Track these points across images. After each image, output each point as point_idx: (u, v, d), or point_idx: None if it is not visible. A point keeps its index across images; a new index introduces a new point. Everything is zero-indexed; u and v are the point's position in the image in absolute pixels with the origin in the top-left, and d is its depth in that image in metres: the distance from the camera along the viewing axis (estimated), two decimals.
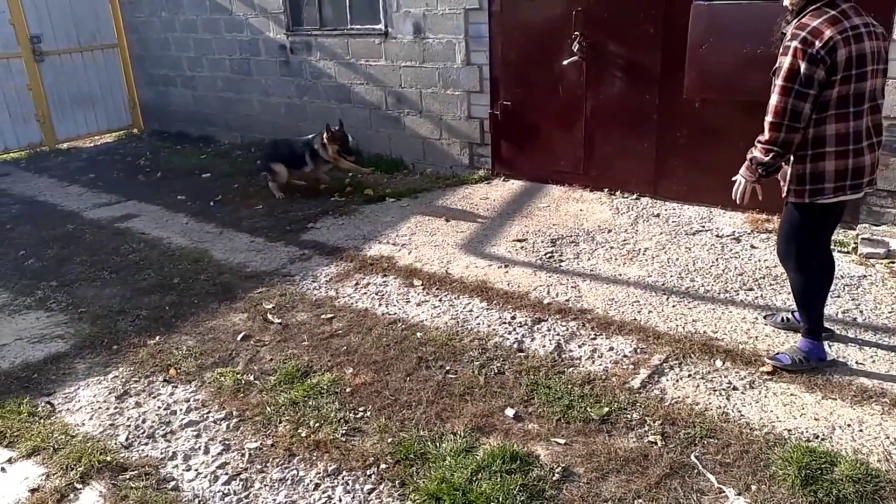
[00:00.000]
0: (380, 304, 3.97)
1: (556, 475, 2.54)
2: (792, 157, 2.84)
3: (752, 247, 4.38)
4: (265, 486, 2.62)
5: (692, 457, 2.59)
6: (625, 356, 3.28)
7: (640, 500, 2.40)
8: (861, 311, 3.56)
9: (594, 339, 3.45)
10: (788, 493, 2.39)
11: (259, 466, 2.72)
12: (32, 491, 2.64)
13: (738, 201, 3.00)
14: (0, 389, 3.32)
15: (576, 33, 5.27)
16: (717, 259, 4.25)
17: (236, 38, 7.59)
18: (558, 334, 3.50)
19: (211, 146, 8.12)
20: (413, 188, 6.01)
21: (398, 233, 5.04)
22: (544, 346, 3.40)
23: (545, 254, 4.48)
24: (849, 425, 2.72)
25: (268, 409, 3.05)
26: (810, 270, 3.01)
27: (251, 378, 3.30)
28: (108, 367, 3.48)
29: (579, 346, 3.38)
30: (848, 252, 4.22)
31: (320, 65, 6.96)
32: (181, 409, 3.11)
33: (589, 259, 4.37)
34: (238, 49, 7.64)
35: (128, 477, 2.69)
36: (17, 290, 4.44)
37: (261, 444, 2.84)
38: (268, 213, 5.67)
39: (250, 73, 7.65)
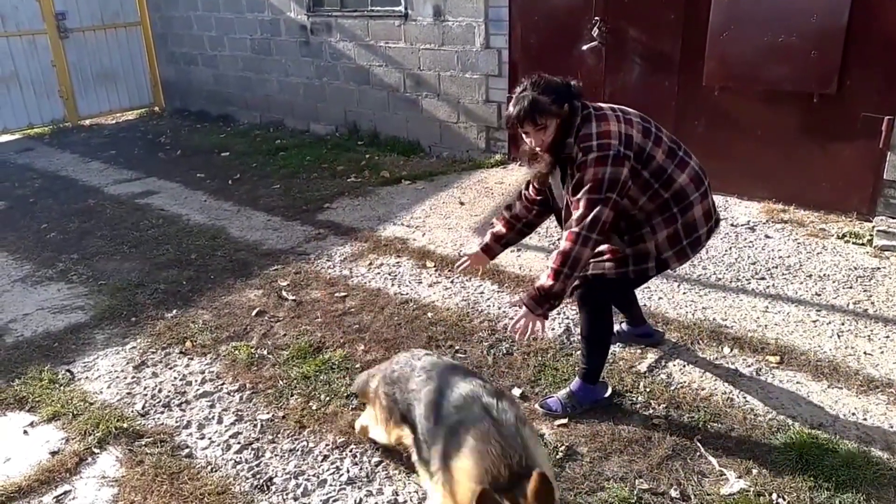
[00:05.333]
0: (392, 284, 4.02)
1: (560, 454, 2.59)
2: None
3: (767, 237, 4.37)
4: (276, 455, 2.69)
5: (695, 440, 2.62)
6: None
7: (641, 480, 2.44)
8: (872, 303, 3.55)
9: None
10: (789, 477, 2.41)
11: (270, 437, 2.79)
12: (53, 454, 2.73)
13: None
14: (22, 357, 3.42)
15: (596, 18, 5.25)
16: (730, 248, 4.24)
17: (257, 17, 7.63)
18: (567, 318, 3.52)
19: (230, 125, 8.20)
20: (429, 171, 6.04)
21: (413, 215, 5.08)
22: (553, 329, 3.43)
23: (558, 238, 4.49)
24: (853, 414, 2.74)
25: (280, 382, 3.12)
26: (607, 313, 2.84)
27: (265, 352, 3.37)
28: (127, 339, 3.57)
29: None
30: (863, 244, 4.20)
31: (340, 46, 6.99)
32: (196, 381, 3.19)
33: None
34: (259, 29, 7.68)
35: (143, 443, 2.77)
36: (39, 262, 4.55)
37: (272, 415, 2.92)
38: (285, 192, 5.74)
39: (270, 53, 7.70)
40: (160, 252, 4.63)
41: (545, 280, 2.47)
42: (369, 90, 6.93)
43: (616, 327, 3.24)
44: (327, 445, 2.72)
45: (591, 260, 2.63)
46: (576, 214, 2.45)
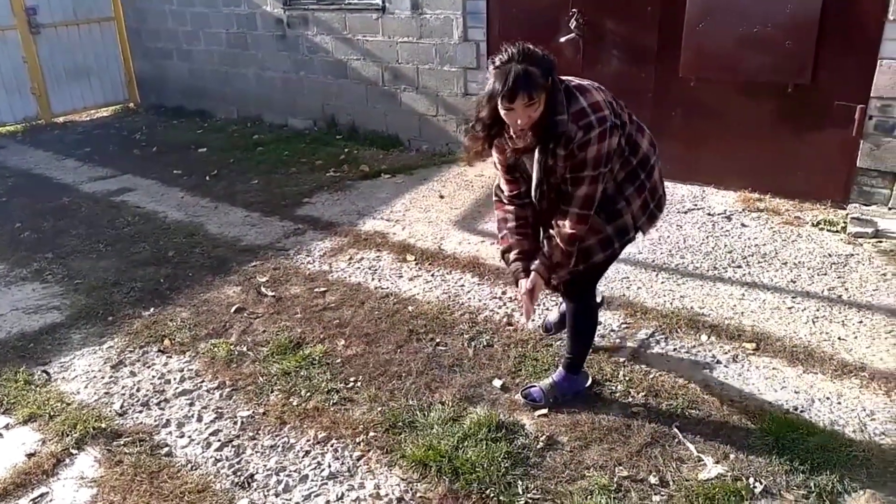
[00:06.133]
0: (373, 279, 4.01)
1: (541, 443, 2.60)
2: None
3: (743, 225, 4.42)
4: (256, 452, 2.68)
5: (674, 427, 2.65)
6: (612, 330, 3.33)
7: (621, 467, 2.46)
8: (846, 289, 3.61)
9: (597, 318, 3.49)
10: (765, 461, 2.45)
11: (251, 434, 2.78)
12: (29, 456, 2.70)
13: None
14: None
15: (573, 11, 5.25)
16: (707, 237, 4.29)
17: (233, 11, 7.54)
18: (547, 308, 3.54)
19: (207, 121, 8.11)
20: (408, 165, 6.03)
21: (392, 209, 5.07)
22: (533, 321, 3.44)
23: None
24: (827, 398, 2.78)
25: (260, 379, 3.11)
26: (594, 300, 2.86)
27: (244, 349, 3.35)
28: (104, 338, 3.53)
29: None
30: (837, 231, 4.26)
31: (317, 39, 6.93)
32: (175, 379, 3.16)
33: None
34: (235, 23, 7.60)
35: (122, 443, 2.75)
36: (13, 262, 4.48)
37: (253, 412, 2.90)
38: (263, 188, 5.70)
39: (247, 47, 7.62)
40: (137, 250, 4.57)
41: (559, 257, 2.49)
42: (347, 84, 6.89)
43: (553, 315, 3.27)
44: (308, 441, 2.71)
45: (580, 250, 2.55)
46: (579, 193, 2.38)
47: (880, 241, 4.11)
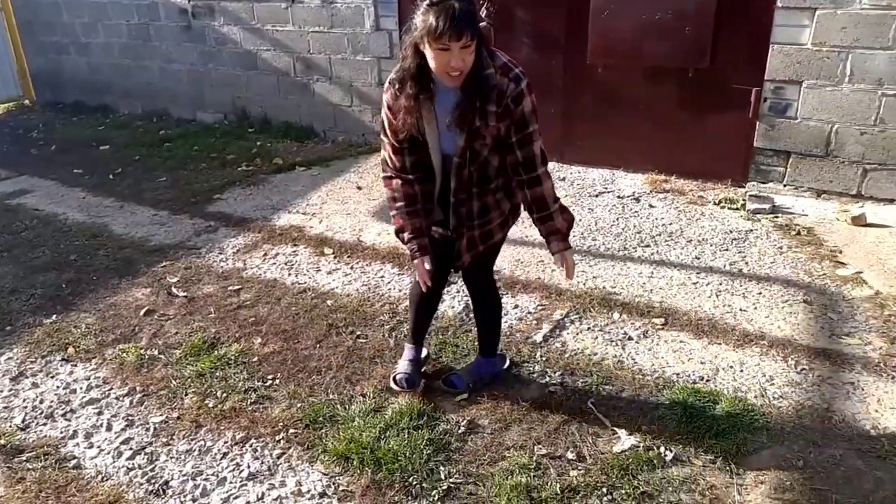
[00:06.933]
0: (289, 274, 3.94)
1: (462, 428, 2.63)
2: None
3: (651, 206, 4.59)
4: (171, 458, 2.59)
5: (589, 403, 2.73)
6: (529, 313, 3.40)
7: (540, 446, 2.52)
8: (746, 263, 3.80)
9: (501, 298, 3.54)
10: (674, 430, 2.56)
11: (165, 440, 2.68)
12: None
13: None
14: None
15: None
16: (617, 219, 4.43)
17: (133, 1, 7.20)
18: (467, 295, 3.56)
19: (109, 116, 7.74)
20: (324, 156, 5.94)
21: (308, 202, 4.99)
22: (453, 307, 3.47)
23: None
24: (731, 367, 2.93)
25: (173, 382, 3.00)
26: (495, 282, 2.86)
27: (155, 353, 3.23)
28: (2, 349, 3.32)
29: None
30: (737, 208, 4.49)
31: (224, 30, 6.71)
32: (81, 388, 3.01)
33: None
34: (136, 13, 7.25)
35: (25, 458, 2.60)
36: None
37: (166, 417, 2.80)
38: (172, 184, 5.49)
39: (150, 39, 7.29)
40: (35, 255, 4.32)
41: (561, 222, 2.42)
42: (258, 75, 6.71)
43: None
44: (226, 443, 2.64)
45: (484, 233, 2.51)
46: (535, 150, 2.31)
47: (776, 217, 4.35)
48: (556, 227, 2.44)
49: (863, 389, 2.76)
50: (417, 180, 2.44)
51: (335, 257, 4.11)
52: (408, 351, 2.92)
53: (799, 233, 4.13)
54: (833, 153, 4.49)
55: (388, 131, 2.41)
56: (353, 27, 5.97)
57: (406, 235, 2.52)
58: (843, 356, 2.97)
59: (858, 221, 4.17)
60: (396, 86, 2.31)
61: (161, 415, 2.82)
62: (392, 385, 2.86)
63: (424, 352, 3.00)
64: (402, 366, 2.89)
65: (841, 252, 3.88)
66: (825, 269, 3.70)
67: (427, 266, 2.49)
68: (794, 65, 4.42)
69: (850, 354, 2.98)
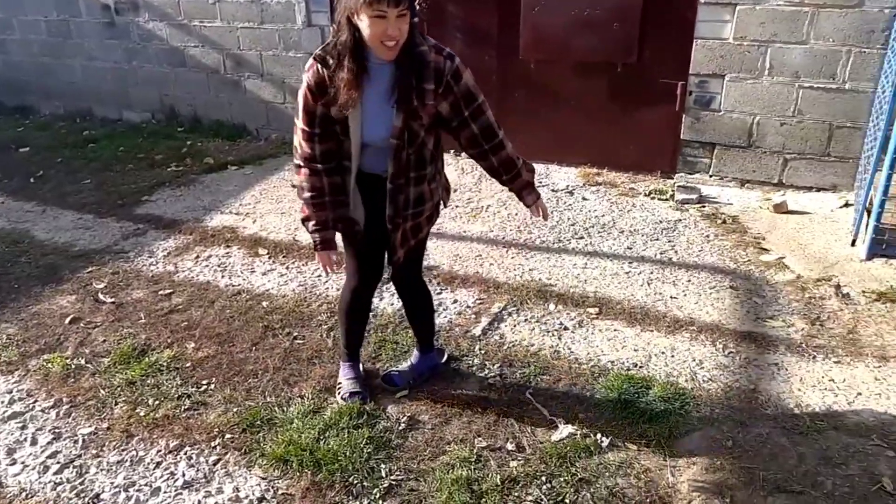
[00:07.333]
0: (223, 276, 3.84)
1: (402, 424, 2.63)
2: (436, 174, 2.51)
3: (584, 199, 4.68)
4: (102, 470, 2.49)
5: (527, 394, 2.77)
6: (468, 307, 3.42)
7: (480, 438, 2.54)
8: (676, 251, 3.93)
9: (440, 293, 3.55)
10: (610, 417, 2.63)
11: (94, 451, 2.58)
12: None
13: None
14: None
15: None
16: (552, 212, 4.49)
17: None
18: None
19: (30, 117, 7.39)
20: (257, 155, 5.82)
21: (241, 202, 4.88)
22: (392, 304, 3.46)
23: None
24: (663, 353, 3.02)
25: (102, 392, 2.89)
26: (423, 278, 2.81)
27: (82, 362, 3.10)
28: None
29: None
30: (666, 199, 4.62)
31: (150, 26, 6.49)
32: (3, 402, 2.87)
33: None
34: (54, 9, 6.93)
35: None
36: None
37: (95, 428, 2.70)
38: (97, 187, 5.27)
39: (70, 35, 6.98)
40: None
41: (527, 174, 2.56)
42: (186, 73, 6.51)
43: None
44: (159, 451, 2.56)
45: (415, 225, 2.47)
46: (489, 118, 2.35)
47: (703, 206, 4.51)
48: (525, 180, 2.55)
49: (786, 369, 2.89)
50: (326, 171, 2.34)
51: (270, 258, 4.04)
52: (346, 369, 2.82)
53: (724, 221, 4.29)
54: (755, 144, 4.67)
55: (302, 114, 2.30)
56: (285, 23, 5.86)
57: (310, 226, 2.44)
58: (767, 338, 3.10)
59: (780, 209, 4.36)
60: (331, 62, 2.22)
61: (90, 426, 2.71)
62: (340, 402, 2.77)
63: (361, 367, 2.91)
64: (347, 385, 2.79)
65: (764, 239, 4.05)
66: (749, 255, 3.86)
67: (334, 258, 2.49)
68: (717, 59, 4.58)
69: (774, 336, 3.11)
